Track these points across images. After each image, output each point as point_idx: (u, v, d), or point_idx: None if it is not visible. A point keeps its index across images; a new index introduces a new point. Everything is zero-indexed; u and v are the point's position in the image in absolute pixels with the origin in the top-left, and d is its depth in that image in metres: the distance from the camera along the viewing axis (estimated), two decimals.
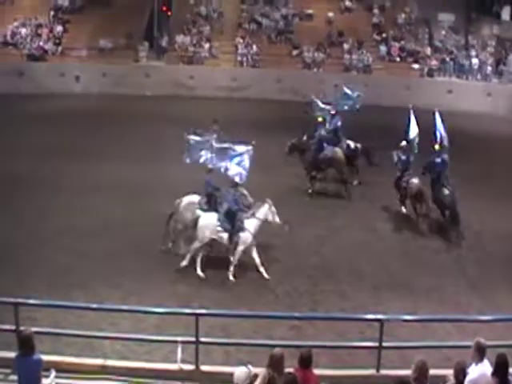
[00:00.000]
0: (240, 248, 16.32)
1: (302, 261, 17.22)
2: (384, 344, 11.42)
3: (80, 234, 18.18)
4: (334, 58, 43.19)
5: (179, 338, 11.53)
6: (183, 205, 17.32)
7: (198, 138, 18.00)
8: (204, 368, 11.44)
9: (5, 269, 15.69)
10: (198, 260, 16.40)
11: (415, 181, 20.42)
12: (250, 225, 16.45)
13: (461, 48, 44.38)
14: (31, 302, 11.97)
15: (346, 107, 24.91)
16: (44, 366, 9.47)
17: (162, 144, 28.24)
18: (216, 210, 16.83)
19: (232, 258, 16.35)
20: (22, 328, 10.49)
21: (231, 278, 16.14)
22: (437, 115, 21.67)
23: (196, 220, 16.55)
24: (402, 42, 44.06)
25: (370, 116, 33.79)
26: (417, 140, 21.51)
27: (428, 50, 43.74)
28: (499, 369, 8.97)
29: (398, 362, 11.68)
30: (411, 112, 22.02)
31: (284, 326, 13.39)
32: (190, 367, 11.41)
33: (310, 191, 22.77)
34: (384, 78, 41.36)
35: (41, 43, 42.40)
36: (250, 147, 17.24)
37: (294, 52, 43.25)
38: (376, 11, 46.07)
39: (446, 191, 19.80)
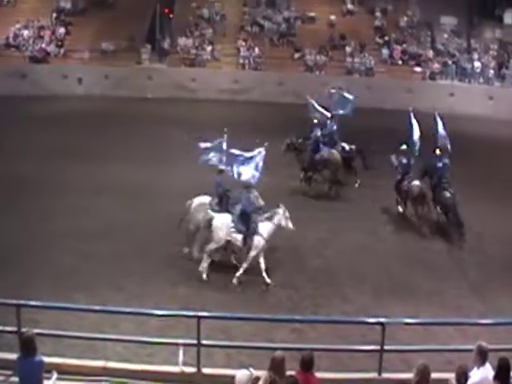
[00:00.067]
0: (252, 253, 16.20)
1: (303, 263, 17.23)
2: (386, 347, 11.40)
3: (84, 235, 18.19)
4: (336, 60, 43.19)
5: (181, 341, 11.52)
6: (194, 206, 17.25)
7: (208, 144, 18.01)
8: (205, 371, 11.42)
9: (9, 270, 15.72)
10: (207, 257, 16.31)
11: (417, 183, 20.49)
12: (264, 229, 16.36)
13: (463, 51, 44.40)
14: (33, 303, 11.93)
15: (340, 111, 25.01)
16: (45, 367, 9.47)
17: (165, 146, 28.30)
18: (228, 211, 16.76)
19: (243, 263, 16.23)
20: (23, 329, 10.47)
21: (235, 281, 16.06)
22: (438, 118, 21.71)
23: (209, 221, 16.44)
24: (404, 45, 44.08)
25: (371, 119, 33.88)
26: (419, 143, 21.52)
27: (430, 53, 43.75)
28: (501, 372, 8.96)
29: (400, 366, 11.68)
30: (411, 115, 22.06)
31: (285, 329, 13.39)
32: (191, 370, 11.39)
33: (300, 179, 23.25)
34: (386, 81, 41.39)
35: (43, 45, 42.44)
36: (262, 149, 17.30)
37: (296, 55, 43.26)
38: (378, 14, 46.09)
39: (448, 194, 19.90)
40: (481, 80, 42.81)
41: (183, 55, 43.01)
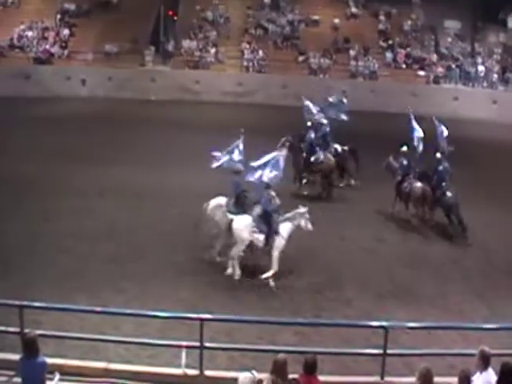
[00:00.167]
0: (275, 254, 16.16)
1: (307, 267, 17.17)
2: (388, 351, 11.37)
3: (87, 237, 18.18)
4: (339, 64, 43.28)
5: (183, 343, 11.51)
6: (210, 208, 17.07)
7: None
8: (208, 373, 11.40)
9: (12, 271, 15.71)
10: (234, 260, 16.22)
11: (419, 184, 20.56)
12: (284, 229, 16.37)
13: (467, 55, 44.47)
14: (36, 304, 11.93)
15: (333, 116, 25.12)
16: (48, 368, 9.46)
17: (168, 149, 28.33)
18: (245, 212, 16.65)
19: (272, 266, 16.16)
20: (26, 330, 10.45)
21: (272, 284, 15.97)
22: (436, 122, 21.81)
23: (229, 223, 16.30)
24: (408, 49, 44.17)
25: (375, 122, 33.93)
26: (422, 143, 21.61)
27: (434, 57, 43.83)
28: (504, 377, 8.94)
29: (403, 370, 11.64)
30: (411, 116, 22.15)
31: (289, 332, 13.35)
32: (194, 372, 11.37)
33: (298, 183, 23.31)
34: (390, 85, 41.48)
35: (47, 46, 42.55)
36: (283, 151, 17.43)
37: (300, 58, 43.34)
38: (382, 18, 46.18)
39: (449, 193, 20.09)
40: (485, 84, 42.89)
41: (187, 57, 43.11)
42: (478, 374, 9.17)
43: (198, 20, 45.36)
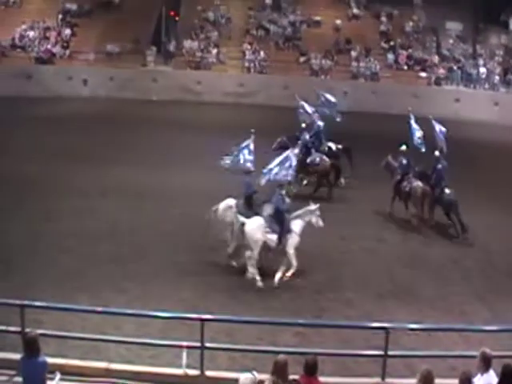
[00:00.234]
0: (291, 251, 16.21)
1: (307, 267, 17.16)
2: (389, 352, 11.37)
3: (87, 237, 18.19)
4: (341, 65, 43.27)
5: (184, 343, 11.51)
6: (220, 211, 16.95)
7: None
8: (209, 373, 11.40)
9: (13, 271, 15.72)
10: (251, 266, 16.11)
11: (419, 184, 20.62)
12: (296, 226, 16.43)
13: (468, 57, 44.47)
14: (37, 304, 11.95)
15: (327, 112, 25.13)
16: (49, 368, 9.46)
17: (169, 149, 28.35)
18: (255, 212, 16.58)
19: (292, 265, 16.20)
20: (27, 330, 10.47)
21: (260, 284, 15.99)
22: (433, 122, 22.05)
23: (241, 227, 16.19)
24: (410, 50, 44.16)
25: (376, 123, 33.93)
26: (423, 141, 21.74)
27: (436, 59, 43.82)
28: (505, 379, 8.94)
29: (404, 371, 11.63)
30: (411, 117, 22.21)
31: (289, 333, 13.36)
32: (194, 372, 11.38)
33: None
34: (391, 86, 41.48)
35: (49, 46, 42.55)
36: (295, 150, 17.49)
37: (302, 59, 43.34)
38: (384, 19, 46.17)
39: (448, 191, 20.25)
40: (486, 86, 42.89)
41: (188, 58, 43.11)
42: (479, 375, 9.16)
43: (200, 20, 45.37)
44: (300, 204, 17.44)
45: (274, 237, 16.21)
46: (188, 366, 11.41)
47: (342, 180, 24.46)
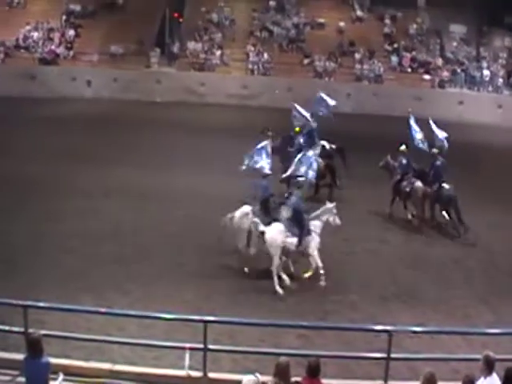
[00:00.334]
0: (314, 253, 16.24)
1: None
2: (392, 355, 11.36)
3: (90, 238, 18.21)
4: (345, 67, 43.29)
5: (187, 345, 11.51)
6: (237, 218, 16.76)
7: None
8: (212, 375, 11.39)
9: (16, 271, 15.73)
10: (276, 275, 15.98)
11: (420, 184, 20.68)
12: (315, 227, 16.46)
13: (472, 59, 44.43)
14: (40, 304, 11.95)
15: (320, 113, 25.09)
16: (52, 369, 9.47)
17: (173, 150, 28.38)
18: (274, 218, 16.45)
19: (318, 265, 16.25)
20: (30, 330, 10.48)
21: (323, 283, 16.09)
22: (432, 127, 22.24)
23: (262, 236, 16.02)
24: (414, 53, 44.14)
25: (379, 125, 33.92)
26: (425, 142, 21.81)
27: (439, 61, 43.81)
28: (508, 383, 8.94)
29: (407, 374, 11.64)
30: (412, 119, 22.25)
31: (292, 335, 13.36)
32: (197, 374, 11.37)
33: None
34: (395, 89, 41.48)
35: (52, 47, 42.62)
36: (317, 150, 17.50)
37: (305, 61, 43.35)
38: (387, 21, 46.17)
39: (447, 186, 20.36)
40: (490, 88, 42.88)
41: (192, 59, 43.15)
42: (482, 378, 9.16)
43: (204, 22, 45.42)
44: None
45: (294, 240, 16.14)
46: (191, 368, 11.41)
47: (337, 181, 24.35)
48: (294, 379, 9.07)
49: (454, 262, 18.44)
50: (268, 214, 16.76)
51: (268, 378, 9.03)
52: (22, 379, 9.75)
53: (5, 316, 12.00)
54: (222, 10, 46.23)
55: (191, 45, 43.62)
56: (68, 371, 10.53)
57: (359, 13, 46.66)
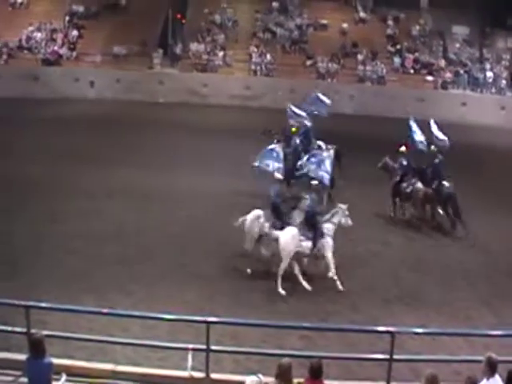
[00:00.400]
0: (329, 254, 16.20)
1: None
2: (395, 357, 11.34)
3: (93, 239, 18.20)
4: (347, 68, 43.28)
5: (190, 346, 11.51)
6: (249, 222, 16.68)
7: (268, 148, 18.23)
8: (214, 376, 11.39)
9: (19, 272, 15.74)
10: (298, 273, 16.07)
11: (420, 185, 20.75)
12: (328, 229, 16.43)
13: (475, 61, 44.41)
14: (42, 305, 11.95)
15: (316, 112, 25.08)
16: (55, 369, 9.48)
17: (176, 151, 28.40)
18: (284, 221, 16.45)
19: (331, 268, 16.21)
20: (33, 331, 10.48)
21: (341, 287, 16.04)
22: (432, 124, 22.54)
23: (276, 241, 15.99)
24: (417, 54, 44.12)
25: (381, 127, 33.90)
26: (424, 145, 21.85)
27: (442, 63, 43.78)
28: None
29: (409, 375, 11.63)
30: (411, 120, 22.29)
31: (294, 336, 13.36)
32: (200, 375, 11.37)
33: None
34: (398, 90, 41.43)
35: (55, 48, 42.65)
36: (331, 151, 17.49)
37: (308, 62, 43.36)
38: (390, 22, 46.16)
39: (447, 184, 20.47)
40: (493, 90, 42.86)
41: (195, 60, 43.18)
42: (484, 380, 9.15)
43: (206, 23, 45.44)
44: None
45: (308, 243, 16.12)
46: (193, 369, 11.39)
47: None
48: (296, 380, 9.08)
49: (456, 264, 18.43)
50: (280, 218, 16.69)
51: (270, 379, 9.03)
52: (25, 380, 9.73)
53: (7, 316, 12.01)
54: (225, 11, 46.26)
55: (194, 46, 43.64)
56: (70, 372, 10.52)
57: (362, 14, 46.66)
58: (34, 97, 37.54)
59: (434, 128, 22.52)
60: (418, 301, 15.85)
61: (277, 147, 18.35)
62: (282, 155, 18.46)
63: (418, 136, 22.17)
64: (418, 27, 46.03)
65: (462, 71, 43.28)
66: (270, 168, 18.17)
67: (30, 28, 43.41)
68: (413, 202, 21.16)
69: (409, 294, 16.27)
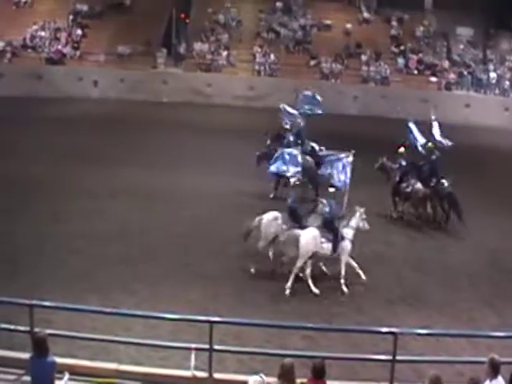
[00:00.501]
0: (345, 258, 16.30)
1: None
2: (398, 357, 11.36)
3: (97, 238, 18.21)
4: (351, 69, 43.28)
5: (193, 345, 11.53)
6: (266, 222, 16.65)
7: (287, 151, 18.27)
8: (217, 376, 11.40)
9: (22, 272, 15.75)
10: (308, 275, 16.09)
11: (420, 186, 20.82)
12: (347, 233, 16.52)
13: (479, 62, 44.38)
14: (46, 304, 11.96)
15: (308, 111, 25.06)
16: (58, 368, 9.49)
17: (179, 151, 28.40)
18: (301, 224, 16.42)
19: (341, 272, 16.28)
20: (36, 330, 10.51)
21: (345, 289, 16.08)
22: (432, 123, 22.65)
23: (296, 239, 15.96)
24: (420, 55, 44.10)
25: (385, 127, 33.86)
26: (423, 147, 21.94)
27: (446, 64, 43.77)
28: None
29: (412, 376, 11.64)
30: (411, 122, 22.32)
31: (297, 336, 13.37)
32: (203, 374, 11.38)
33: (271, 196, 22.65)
34: (401, 91, 41.41)
35: (59, 47, 42.70)
36: (350, 156, 17.57)
37: (312, 62, 43.34)
38: (394, 23, 46.15)
39: (445, 182, 20.56)
40: (496, 91, 42.84)
41: (199, 60, 43.19)
42: (487, 381, 9.16)
43: (210, 23, 45.46)
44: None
45: (329, 245, 16.19)
46: (196, 368, 11.41)
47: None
48: (299, 380, 9.09)
49: (458, 265, 18.43)
50: (297, 221, 16.65)
51: (273, 379, 9.04)
52: (28, 378, 9.77)
53: (11, 315, 12.01)
54: (229, 10, 46.28)
55: (198, 45, 43.67)
56: (74, 371, 10.54)
57: (366, 15, 46.66)
58: (37, 96, 37.58)
59: (436, 130, 22.48)
60: (420, 301, 15.86)
61: (294, 151, 18.30)
62: (300, 159, 18.39)
63: (419, 139, 22.12)
64: (422, 28, 46.02)
65: (465, 72, 43.26)
66: (289, 173, 18.12)
67: (34, 27, 43.47)
68: (412, 202, 21.19)
69: (412, 294, 16.27)
